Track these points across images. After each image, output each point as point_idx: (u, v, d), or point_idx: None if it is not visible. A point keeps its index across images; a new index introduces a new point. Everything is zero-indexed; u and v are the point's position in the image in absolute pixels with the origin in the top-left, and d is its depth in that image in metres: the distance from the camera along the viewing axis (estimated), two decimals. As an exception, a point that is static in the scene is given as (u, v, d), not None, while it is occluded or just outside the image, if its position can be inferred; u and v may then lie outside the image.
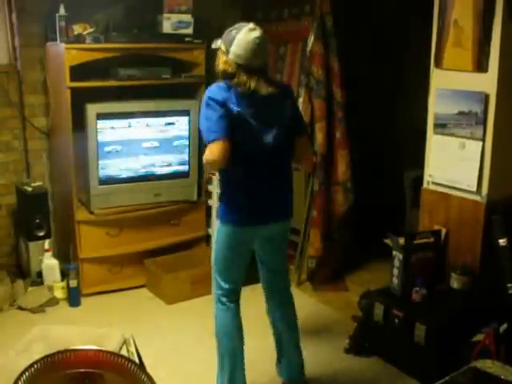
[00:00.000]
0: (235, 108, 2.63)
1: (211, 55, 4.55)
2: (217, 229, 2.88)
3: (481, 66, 3.20)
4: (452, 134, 3.42)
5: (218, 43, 2.78)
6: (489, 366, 2.53)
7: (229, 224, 2.80)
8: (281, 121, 2.78)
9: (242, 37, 2.63)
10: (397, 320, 3.33)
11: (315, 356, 3.45)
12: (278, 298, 3.09)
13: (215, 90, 2.69)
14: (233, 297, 2.96)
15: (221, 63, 2.75)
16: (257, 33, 2.65)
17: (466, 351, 2.96)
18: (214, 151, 2.60)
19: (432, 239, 3.50)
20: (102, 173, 4.26)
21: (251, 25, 2.68)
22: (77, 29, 4.08)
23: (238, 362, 2.94)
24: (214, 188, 4.57)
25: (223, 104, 2.63)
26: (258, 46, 2.64)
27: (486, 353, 2.84)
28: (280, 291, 3.09)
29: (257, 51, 2.65)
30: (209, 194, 4.73)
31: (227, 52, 2.68)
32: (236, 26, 2.71)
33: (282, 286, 3.10)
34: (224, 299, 2.94)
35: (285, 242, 3.05)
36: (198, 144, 4.53)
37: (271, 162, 2.79)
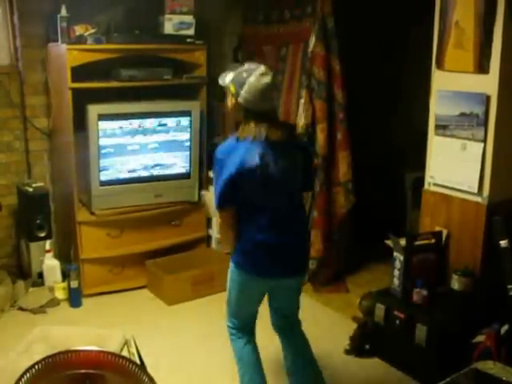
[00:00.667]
0: (248, 161, 2.55)
1: (212, 56, 4.61)
2: (230, 269, 2.80)
3: (482, 67, 3.20)
4: (453, 136, 3.42)
5: (225, 81, 2.69)
6: (490, 367, 2.54)
7: (243, 270, 2.73)
8: (296, 166, 2.72)
9: (253, 82, 2.56)
10: (398, 321, 3.34)
11: (316, 357, 3.45)
12: (290, 334, 2.99)
13: (226, 147, 2.64)
14: (246, 331, 2.90)
15: (229, 104, 2.69)
16: (268, 78, 2.58)
17: (467, 352, 2.95)
18: (223, 219, 2.73)
19: (433, 240, 3.50)
20: (103, 174, 4.26)
21: (263, 68, 2.60)
22: (78, 30, 4.08)
23: None
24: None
25: (231, 164, 2.56)
26: (268, 91, 2.59)
27: (487, 354, 2.84)
28: (291, 329, 3.00)
29: (266, 96, 2.60)
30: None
31: (237, 95, 2.60)
32: (246, 67, 2.64)
33: (292, 327, 3.00)
34: (235, 331, 2.90)
35: (298, 293, 2.94)
36: (199, 145, 4.53)
37: (287, 213, 2.72)
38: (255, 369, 2.85)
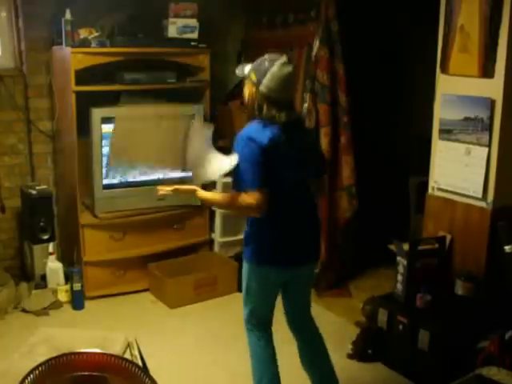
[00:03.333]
0: (272, 144, 2.58)
1: (216, 60, 4.61)
2: (246, 270, 2.79)
3: (487, 71, 3.20)
4: (457, 140, 3.42)
5: (244, 70, 2.74)
6: (494, 373, 2.53)
7: (264, 266, 2.72)
8: (312, 155, 2.80)
9: (276, 71, 2.60)
10: (401, 326, 3.33)
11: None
12: (305, 334, 3.01)
13: (254, 129, 2.64)
14: (264, 326, 2.90)
15: (251, 95, 2.70)
16: (290, 68, 2.64)
17: (470, 358, 2.94)
18: (259, 200, 2.54)
19: (436, 245, 3.49)
20: (107, 177, 4.26)
21: (284, 58, 2.65)
22: (82, 33, 4.09)
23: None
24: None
25: (262, 145, 2.57)
26: (289, 80, 2.67)
27: (491, 360, 2.82)
28: (306, 327, 3.02)
29: (288, 85, 2.68)
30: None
31: (258, 83, 2.63)
32: (266, 57, 2.67)
33: (307, 324, 3.03)
34: (254, 330, 2.88)
35: (312, 281, 3.06)
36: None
37: (305, 200, 2.79)
38: (273, 369, 2.86)
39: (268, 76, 2.60)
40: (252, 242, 2.74)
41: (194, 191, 2.76)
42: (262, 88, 2.62)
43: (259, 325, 2.87)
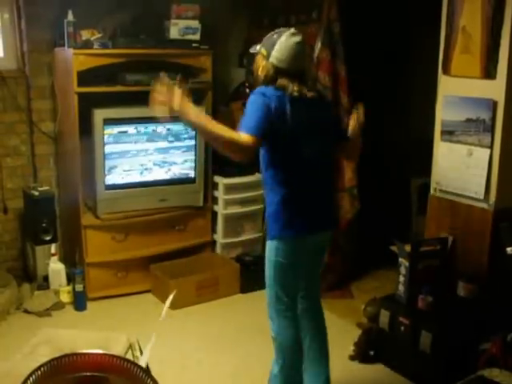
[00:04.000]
0: (286, 110, 2.59)
1: (217, 61, 4.61)
2: (271, 247, 2.77)
3: (489, 72, 3.20)
4: (459, 141, 3.41)
5: (257, 48, 2.79)
6: (496, 374, 2.53)
7: (290, 238, 2.73)
8: (327, 125, 2.80)
9: (284, 41, 2.65)
10: (403, 327, 3.32)
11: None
12: (311, 306, 3.04)
13: (269, 90, 2.64)
14: (294, 306, 2.90)
15: (260, 67, 2.73)
16: (298, 38, 2.67)
17: (472, 359, 2.94)
18: (247, 142, 2.48)
19: (438, 247, 3.48)
20: (109, 178, 4.27)
21: (292, 30, 2.70)
22: (85, 34, 4.10)
23: (299, 373, 2.92)
24: (221, 194, 4.60)
25: (270, 102, 2.57)
26: (298, 50, 2.67)
27: (493, 361, 2.82)
28: (313, 300, 3.05)
29: (297, 56, 2.68)
30: (215, 200, 4.74)
31: (268, 56, 2.68)
32: (276, 30, 2.72)
33: (315, 294, 3.07)
34: (287, 313, 2.85)
35: (325, 254, 3.07)
36: (205, 150, 4.53)
37: (322, 168, 2.80)
38: (299, 345, 2.88)
39: (276, 47, 2.65)
40: (275, 218, 2.74)
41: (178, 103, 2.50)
42: (272, 60, 2.67)
43: (289, 303, 2.84)
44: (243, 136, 2.48)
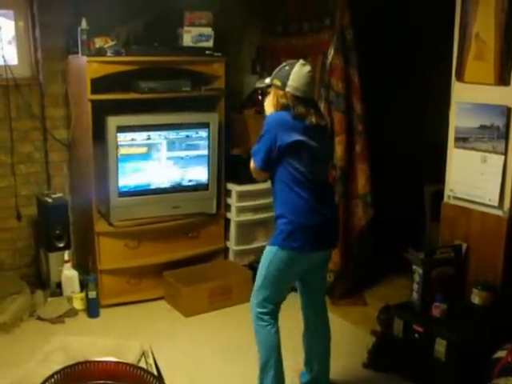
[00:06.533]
0: (299, 136, 2.79)
1: (230, 68, 4.62)
2: (269, 252, 2.92)
3: (503, 79, 3.18)
4: (473, 148, 3.40)
5: (266, 81, 2.97)
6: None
7: (289, 249, 2.86)
8: (329, 151, 3.10)
9: (297, 71, 2.83)
10: (417, 335, 3.30)
11: (333, 370, 3.41)
12: (319, 321, 3.21)
13: (287, 117, 2.83)
14: (275, 315, 3.01)
15: (278, 98, 2.88)
16: (308, 67, 2.87)
17: (487, 368, 2.91)
18: (257, 174, 3.00)
19: (452, 254, 3.46)
20: (122, 185, 4.28)
21: (301, 61, 2.88)
22: (98, 42, 4.11)
23: (280, 373, 3.03)
24: (233, 201, 4.60)
25: (282, 140, 2.79)
26: (310, 79, 2.87)
27: (508, 370, 2.79)
28: (321, 316, 3.22)
29: (310, 84, 2.88)
30: (228, 207, 4.74)
31: (284, 86, 2.84)
32: (284, 63, 2.90)
33: (322, 313, 3.22)
34: (266, 317, 2.98)
35: (328, 265, 3.20)
36: (218, 157, 4.54)
37: (327, 189, 3.01)
38: (279, 353, 2.99)
39: (292, 77, 2.83)
40: (282, 226, 2.88)
41: None
42: (289, 89, 2.83)
43: (272, 312, 2.98)
44: (253, 167, 2.94)
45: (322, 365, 3.20)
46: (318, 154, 2.88)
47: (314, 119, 2.83)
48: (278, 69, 2.91)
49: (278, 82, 2.87)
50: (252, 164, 2.95)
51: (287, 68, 2.85)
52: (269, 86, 2.94)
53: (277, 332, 2.99)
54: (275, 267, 2.90)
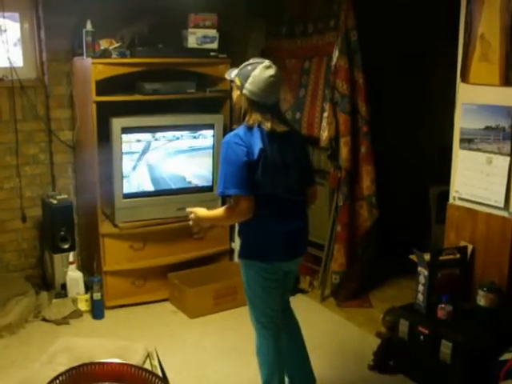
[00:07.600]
0: (257, 147, 2.63)
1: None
2: (244, 270, 2.86)
3: (508, 80, 3.17)
4: (479, 149, 3.38)
5: (232, 75, 2.78)
6: (517, 385, 2.48)
7: (265, 261, 2.78)
8: (298, 158, 2.83)
9: (258, 74, 2.64)
10: (422, 337, 3.29)
11: (338, 372, 3.42)
12: (288, 322, 3.11)
13: (239, 134, 2.68)
14: (273, 325, 2.93)
15: (235, 97, 2.78)
16: (272, 71, 2.66)
17: (493, 370, 2.90)
18: (244, 209, 2.67)
19: (458, 255, 3.45)
20: (127, 186, 4.28)
21: (267, 62, 2.68)
22: (103, 44, 4.13)
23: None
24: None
25: (247, 150, 2.63)
26: (272, 83, 2.66)
27: (514, 372, 2.79)
28: (289, 315, 3.14)
29: (271, 89, 2.67)
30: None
31: (242, 87, 2.68)
32: (251, 61, 2.71)
33: (290, 313, 3.15)
34: (264, 330, 2.92)
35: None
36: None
37: (296, 198, 2.83)
38: (281, 364, 2.96)
39: (250, 80, 2.64)
40: (246, 239, 2.83)
41: (198, 218, 2.94)
42: (245, 92, 2.67)
43: (269, 324, 2.91)
44: (242, 203, 2.66)
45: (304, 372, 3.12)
46: (280, 163, 2.70)
47: (269, 125, 2.65)
48: (243, 65, 2.72)
49: (238, 81, 2.70)
50: (229, 212, 2.76)
51: (249, 68, 2.67)
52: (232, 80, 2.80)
53: (276, 344, 2.92)
54: (257, 282, 2.83)
